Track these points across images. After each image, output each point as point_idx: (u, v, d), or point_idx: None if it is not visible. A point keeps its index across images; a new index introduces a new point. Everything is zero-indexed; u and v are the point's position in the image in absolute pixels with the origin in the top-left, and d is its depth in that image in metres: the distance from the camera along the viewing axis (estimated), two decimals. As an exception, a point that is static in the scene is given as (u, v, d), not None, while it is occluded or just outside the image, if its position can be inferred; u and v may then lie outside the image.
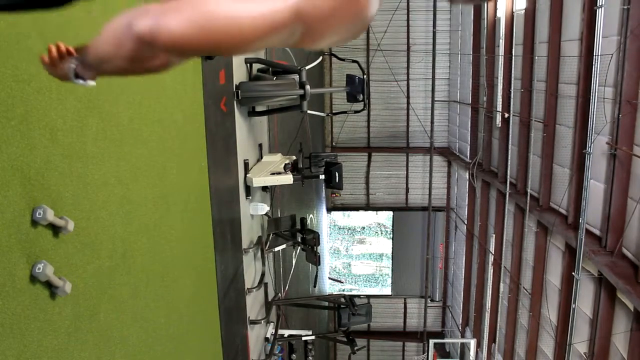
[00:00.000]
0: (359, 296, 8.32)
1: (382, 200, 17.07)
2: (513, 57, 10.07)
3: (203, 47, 0.86)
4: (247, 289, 6.40)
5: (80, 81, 1.11)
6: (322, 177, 7.93)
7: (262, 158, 7.26)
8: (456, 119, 15.04)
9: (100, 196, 2.71)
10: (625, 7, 6.22)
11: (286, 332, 8.10)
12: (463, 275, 14.66)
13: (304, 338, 7.89)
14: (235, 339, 5.84)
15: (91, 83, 1.12)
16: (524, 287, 10.03)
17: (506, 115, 10.41)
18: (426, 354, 13.51)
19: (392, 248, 17.92)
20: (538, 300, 9.38)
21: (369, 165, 16.59)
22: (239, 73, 6.15)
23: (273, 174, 6.62)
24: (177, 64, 0.98)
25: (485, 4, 11.61)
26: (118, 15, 0.88)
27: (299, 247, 9.00)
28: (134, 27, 0.84)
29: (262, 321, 7.00)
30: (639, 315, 6.18)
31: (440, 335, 16.86)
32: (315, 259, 7.88)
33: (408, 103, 15.43)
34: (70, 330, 2.40)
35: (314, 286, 10.25)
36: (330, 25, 0.88)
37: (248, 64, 6.44)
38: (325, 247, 18.07)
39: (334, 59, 14.45)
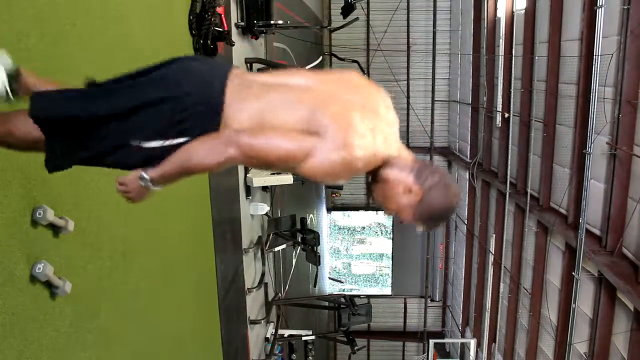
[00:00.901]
0: (359, 296, 8.33)
1: (382, 200, 17.04)
2: (513, 57, 10.06)
3: (259, 158, 1.47)
4: (247, 289, 6.40)
5: (157, 187, 1.56)
6: (322, 177, 7.91)
7: (262, 158, 7.24)
8: (456, 118, 15.03)
9: (100, 196, 2.71)
10: (625, 7, 6.22)
11: (286, 332, 8.10)
12: (463, 275, 14.65)
13: (304, 338, 7.89)
14: (235, 339, 5.84)
15: (159, 188, 1.57)
16: (524, 287, 10.02)
17: (506, 115, 10.41)
18: (426, 354, 13.52)
19: (392, 248, 17.91)
20: (538, 300, 9.38)
21: (369, 165, 16.58)
22: (239, 73, 6.14)
23: (273, 173, 6.62)
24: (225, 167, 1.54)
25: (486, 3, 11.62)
26: (200, 141, 1.49)
27: (299, 247, 9.01)
28: (233, 137, 1.46)
29: (262, 321, 7.00)
30: (639, 315, 6.18)
31: (440, 335, 16.85)
32: (315, 259, 7.88)
33: (408, 103, 15.42)
34: (70, 330, 2.40)
35: (314, 286, 10.25)
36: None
37: (248, 64, 6.44)
38: (325, 247, 18.07)
39: (334, 59, 14.42)
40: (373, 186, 1.61)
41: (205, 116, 1.50)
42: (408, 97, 15.42)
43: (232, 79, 1.53)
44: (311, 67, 7.09)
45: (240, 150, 1.45)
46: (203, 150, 1.47)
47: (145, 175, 1.53)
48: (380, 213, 18.02)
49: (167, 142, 1.53)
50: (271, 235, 7.45)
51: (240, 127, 1.49)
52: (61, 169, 1.67)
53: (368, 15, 14.91)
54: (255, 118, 1.49)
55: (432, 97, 14.03)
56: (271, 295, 7.72)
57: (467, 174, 13.11)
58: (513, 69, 10.06)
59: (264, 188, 7.27)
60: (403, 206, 1.56)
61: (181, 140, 1.52)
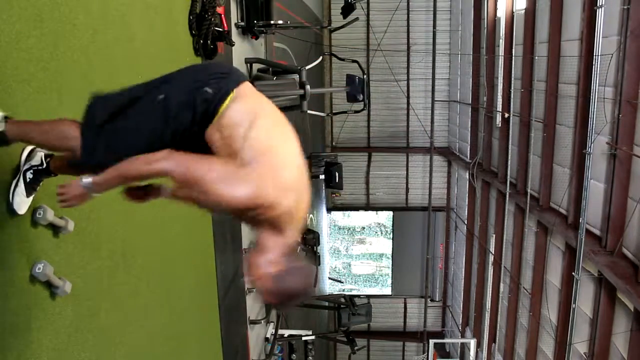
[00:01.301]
0: (359, 296, 8.33)
1: (382, 200, 17.05)
2: (513, 57, 10.06)
3: (188, 172, 1.64)
4: (247, 289, 6.40)
5: (96, 193, 1.76)
6: (322, 177, 7.93)
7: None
8: (456, 119, 15.03)
9: (100, 196, 2.71)
10: (625, 7, 6.21)
11: (286, 332, 8.10)
12: (463, 275, 14.65)
13: (304, 338, 7.89)
14: (235, 339, 5.84)
15: (98, 193, 1.77)
16: (524, 287, 10.02)
17: (506, 115, 10.41)
18: (426, 354, 13.50)
19: (392, 248, 17.90)
20: (538, 300, 9.38)
21: (369, 165, 16.57)
22: (239, 73, 6.14)
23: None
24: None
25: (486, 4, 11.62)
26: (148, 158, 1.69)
27: (299, 247, 9.00)
28: (169, 153, 1.67)
29: (262, 321, 7.00)
30: (639, 315, 6.18)
31: (440, 335, 16.84)
32: (315, 258, 7.88)
33: (408, 103, 15.41)
34: (70, 330, 2.40)
35: (314, 286, 10.23)
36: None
37: (248, 64, 6.44)
38: (325, 247, 18.06)
39: (334, 59, 14.43)
40: (250, 250, 1.83)
41: (222, 85, 1.74)
42: (408, 97, 15.42)
43: (247, 83, 1.83)
44: (311, 67, 7.08)
45: (173, 162, 1.64)
46: (141, 159, 1.68)
47: (88, 180, 1.71)
48: (380, 213, 18.05)
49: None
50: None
51: (231, 115, 1.72)
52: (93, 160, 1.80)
53: (368, 15, 14.91)
54: (246, 112, 1.74)
55: (432, 97, 14.02)
56: (271, 295, 7.70)
57: (467, 174, 13.11)
58: (513, 69, 10.06)
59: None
60: (264, 274, 1.68)
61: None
